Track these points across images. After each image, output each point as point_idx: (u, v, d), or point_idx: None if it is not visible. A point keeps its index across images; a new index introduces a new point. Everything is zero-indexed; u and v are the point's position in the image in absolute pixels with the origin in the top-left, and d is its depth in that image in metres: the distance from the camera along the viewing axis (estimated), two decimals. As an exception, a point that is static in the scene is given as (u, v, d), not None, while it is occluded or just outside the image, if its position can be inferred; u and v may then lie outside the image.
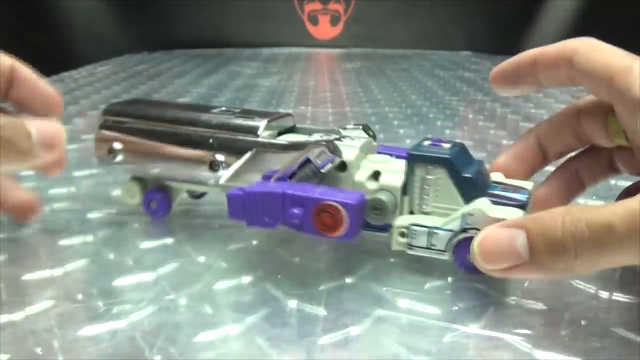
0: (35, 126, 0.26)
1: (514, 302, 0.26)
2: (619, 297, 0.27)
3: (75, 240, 0.32)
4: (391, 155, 0.30)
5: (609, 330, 0.24)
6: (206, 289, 0.27)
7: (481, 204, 0.25)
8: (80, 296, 0.26)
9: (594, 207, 0.21)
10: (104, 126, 0.34)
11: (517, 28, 1.24)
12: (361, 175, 0.28)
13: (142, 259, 0.30)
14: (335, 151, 0.28)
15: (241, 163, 0.30)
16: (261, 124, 0.31)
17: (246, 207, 0.26)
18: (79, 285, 0.27)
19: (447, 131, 0.61)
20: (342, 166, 0.28)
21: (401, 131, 0.60)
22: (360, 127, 0.32)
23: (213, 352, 0.22)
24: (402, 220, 0.27)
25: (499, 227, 0.23)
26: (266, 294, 0.27)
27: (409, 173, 0.27)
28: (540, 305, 0.26)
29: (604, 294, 0.27)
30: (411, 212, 0.28)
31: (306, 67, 1.16)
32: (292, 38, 1.41)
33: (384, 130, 0.60)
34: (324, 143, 0.29)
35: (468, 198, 0.26)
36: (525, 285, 0.28)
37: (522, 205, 0.26)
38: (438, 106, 0.73)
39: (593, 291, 0.27)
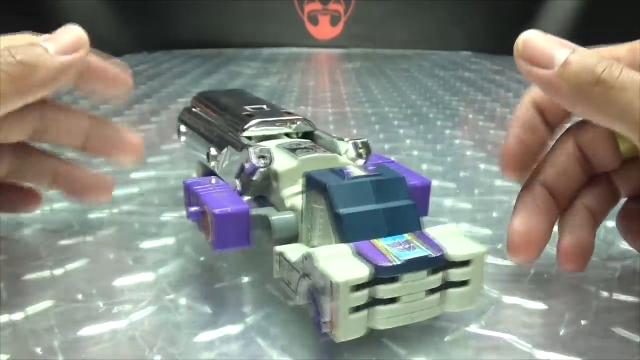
0: (49, 39, 0.25)
1: (514, 302, 0.26)
2: (619, 297, 0.27)
3: (75, 240, 0.32)
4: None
5: (609, 330, 0.24)
6: (206, 289, 0.27)
7: (322, 249, 0.21)
8: (80, 296, 0.26)
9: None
10: (185, 109, 0.37)
11: (517, 28, 1.23)
12: (289, 190, 0.25)
13: (142, 259, 0.30)
14: (266, 158, 0.26)
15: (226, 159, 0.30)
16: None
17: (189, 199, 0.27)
18: (79, 285, 0.27)
19: (447, 131, 0.61)
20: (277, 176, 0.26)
21: (401, 131, 0.60)
22: (353, 141, 0.29)
23: (213, 352, 0.22)
24: (281, 247, 0.23)
25: (548, 36, 0.22)
26: (266, 294, 0.27)
27: (305, 197, 0.24)
28: (540, 305, 0.26)
29: (604, 294, 0.27)
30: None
31: (306, 67, 1.16)
32: (292, 38, 1.41)
33: (384, 130, 0.60)
34: (256, 149, 0.26)
35: (344, 240, 0.21)
36: (525, 285, 0.28)
37: (414, 262, 0.20)
38: (438, 106, 0.73)
39: (593, 291, 0.27)
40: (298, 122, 0.31)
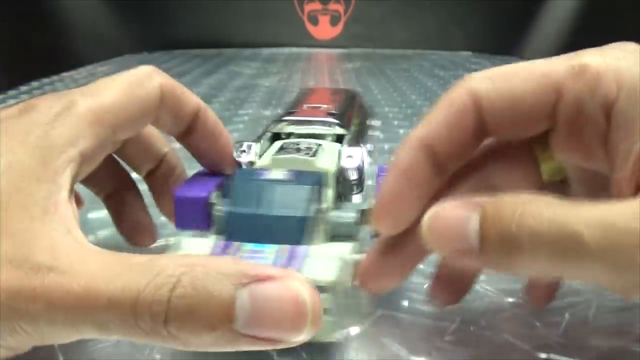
0: (251, 291, 0.15)
1: (514, 302, 0.26)
2: (619, 297, 0.27)
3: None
4: None
5: (608, 331, 0.24)
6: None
7: (190, 241, 0.22)
8: (80, 296, 0.26)
9: (564, 202, 0.16)
10: None
11: (517, 28, 1.24)
12: None
13: (142, 259, 0.30)
14: (246, 153, 0.27)
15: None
16: None
17: None
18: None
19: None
20: None
21: (401, 131, 0.60)
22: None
23: (213, 352, 0.22)
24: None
25: (454, 204, 0.18)
26: (266, 294, 0.27)
27: None
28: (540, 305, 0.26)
29: (604, 294, 0.27)
30: None
31: (306, 67, 1.16)
32: (292, 38, 1.41)
33: (384, 130, 0.60)
34: (240, 143, 0.27)
35: (225, 237, 0.22)
36: (525, 285, 0.28)
37: None
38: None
39: (593, 291, 0.27)
40: (331, 125, 0.30)
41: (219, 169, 0.27)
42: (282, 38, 1.40)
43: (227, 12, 1.36)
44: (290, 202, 0.22)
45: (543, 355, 0.22)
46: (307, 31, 1.43)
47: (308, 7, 1.42)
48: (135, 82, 0.23)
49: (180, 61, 1.17)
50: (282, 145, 0.28)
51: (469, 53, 1.31)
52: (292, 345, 0.16)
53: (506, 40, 1.25)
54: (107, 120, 0.21)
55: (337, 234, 0.23)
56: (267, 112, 0.69)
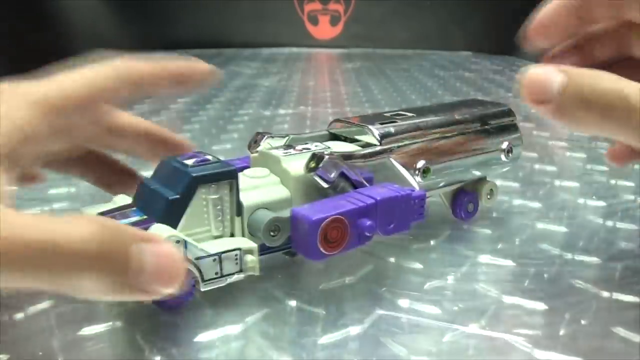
0: (151, 251, 0.18)
1: (514, 302, 0.26)
2: (619, 297, 0.27)
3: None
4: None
5: (609, 330, 0.24)
6: (206, 290, 0.27)
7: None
8: (80, 296, 0.26)
9: (622, 78, 0.22)
10: None
11: (517, 28, 1.24)
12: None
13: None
14: (257, 143, 0.30)
15: None
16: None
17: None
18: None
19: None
20: None
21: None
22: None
23: (213, 352, 0.22)
24: None
25: (547, 66, 0.23)
26: (266, 294, 0.27)
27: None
28: (540, 305, 0.26)
29: (604, 294, 0.27)
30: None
31: (306, 67, 1.16)
32: (292, 38, 1.41)
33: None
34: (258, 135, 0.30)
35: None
36: (526, 284, 0.28)
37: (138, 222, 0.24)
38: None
39: (593, 291, 0.27)
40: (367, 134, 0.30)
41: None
42: (282, 38, 1.40)
43: (227, 12, 1.36)
44: (177, 185, 0.24)
45: (543, 355, 0.22)
46: (307, 31, 1.43)
47: (308, 7, 1.42)
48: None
49: (180, 61, 1.17)
50: (290, 141, 0.30)
51: (469, 53, 1.31)
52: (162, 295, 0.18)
53: (506, 40, 1.24)
54: (50, 102, 0.22)
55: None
56: (267, 112, 0.69)
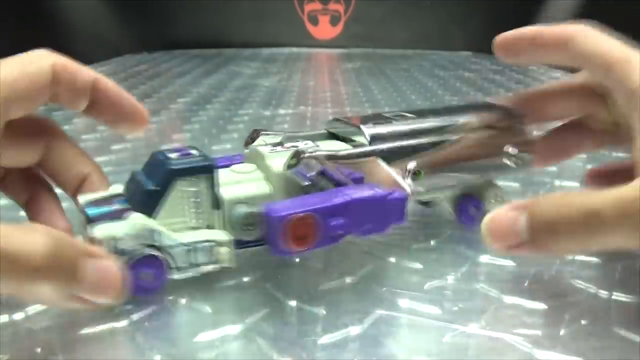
0: (93, 265, 0.20)
1: (514, 302, 0.26)
2: (619, 297, 0.27)
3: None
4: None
5: (609, 330, 0.24)
6: (206, 289, 0.27)
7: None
8: (80, 296, 0.26)
9: (587, 193, 0.22)
10: None
11: (517, 28, 1.24)
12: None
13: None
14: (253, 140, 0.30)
15: None
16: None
17: None
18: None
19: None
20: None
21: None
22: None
23: (213, 352, 0.22)
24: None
25: (505, 208, 0.24)
26: (266, 294, 0.27)
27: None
28: (540, 305, 0.26)
29: (604, 294, 0.27)
30: None
31: (306, 67, 1.16)
32: (292, 38, 1.41)
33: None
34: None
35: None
36: (526, 284, 0.28)
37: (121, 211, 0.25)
38: (438, 106, 0.73)
39: (593, 291, 0.27)
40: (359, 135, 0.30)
41: (133, 128, 0.28)
42: (282, 38, 1.40)
43: (227, 12, 1.36)
44: (158, 178, 0.25)
45: (543, 355, 0.22)
46: (307, 31, 1.43)
47: (308, 7, 1.42)
48: (27, 60, 0.25)
49: (180, 61, 1.17)
50: (284, 138, 0.30)
51: (469, 53, 1.31)
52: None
53: (506, 40, 1.25)
54: None
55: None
56: (267, 112, 0.69)
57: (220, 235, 0.25)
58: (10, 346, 0.23)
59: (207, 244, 0.25)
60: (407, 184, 0.29)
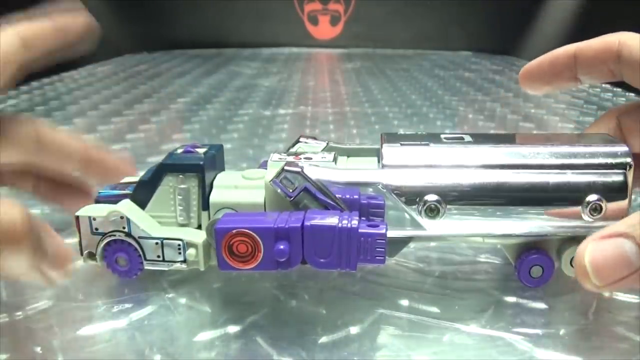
0: (52, 241, 0.22)
1: (514, 302, 0.26)
2: (619, 297, 0.27)
3: (76, 239, 0.32)
4: None
5: (609, 330, 0.24)
6: (206, 289, 0.27)
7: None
8: (80, 296, 0.26)
9: None
10: None
11: (517, 28, 1.24)
12: None
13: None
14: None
15: None
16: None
17: None
18: (79, 284, 0.27)
19: (447, 131, 0.61)
20: None
21: (401, 131, 0.60)
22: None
23: (213, 351, 0.22)
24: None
25: (599, 239, 0.21)
26: (266, 294, 0.27)
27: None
28: (540, 305, 0.26)
29: (604, 294, 0.27)
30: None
31: (306, 67, 1.16)
32: (292, 38, 1.41)
33: (384, 130, 0.60)
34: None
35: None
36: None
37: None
38: (438, 106, 0.73)
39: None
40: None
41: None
42: (282, 38, 1.40)
43: (227, 12, 1.36)
44: (153, 169, 0.26)
45: (543, 355, 0.22)
46: (307, 31, 1.43)
47: (308, 7, 1.42)
48: None
49: (180, 61, 1.17)
50: (326, 148, 0.29)
51: (469, 53, 1.31)
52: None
53: (506, 40, 1.25)
54: None
55: None
56: (267, 112, 0.69)
57: (195, 236, 0.25)
58: (10, 346, 0.23)
59: (175, 241, 0.25)
60: (422, 221, 0.25)
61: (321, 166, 0.25)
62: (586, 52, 0.27)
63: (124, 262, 0.26)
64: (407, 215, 0.25)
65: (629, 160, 0.24)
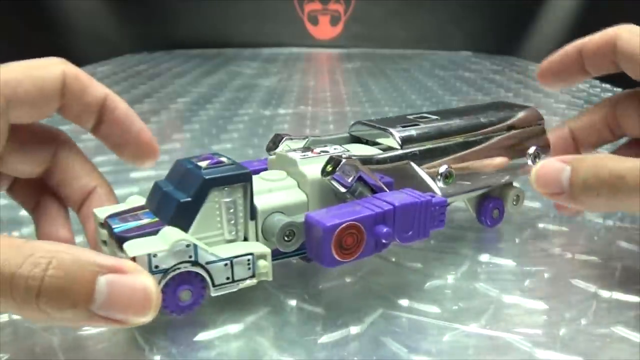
0: (108, 280, 0.18)
1: (514, 302, 0.26)
2: (619, 296, 0.27)
3: (76, 240, 0.32)
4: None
5: (609, 330, 0.24)
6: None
7: (128, 245, 0.22)
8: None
9: (619, 158, 0.24)
10: None
11: (517, 28, 1.24)
12: None
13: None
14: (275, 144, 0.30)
15: None
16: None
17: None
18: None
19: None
20: None
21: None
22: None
23: (213, 351, 0.22)
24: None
25: (555, 159, 0.26)
26: (266, 294, 0.27)
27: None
28: (540, 305, 0.26)
29: (604, 294, 0.27)
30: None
31: (306, 67, 1.16)
32: (292, 38, 1.41)
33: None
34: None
35: None
36: (526, 284, 0.28)
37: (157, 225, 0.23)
38: (438, 106, 0.73)
39: (593, 290, 0.27)
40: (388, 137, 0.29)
41: (138, 159, 0.27)
42: (282, 38, 1.40)
43: (227, 12, 1.36)
44: (189, 187, 0.23)
45: (543, 355, 0.22)
46: (307, 31, 1.43)
47: (308, 7, 1.42)
48: (36, 65, 0.24)
49: (180, 61, 1.17)
50: (309, 143, 0.29)
51: (469, 53, 1.31)
52: (137, 325, 0.19)
53: (506, 40, 1.25)
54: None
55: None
56: (267, 112, 0.69)
57: (259, 247, 0.24)
58: (10, 346, 0.23)
59: (246, 257, 0.23)
60: (438, 188, 0.28)
61: (358, 155, 0.27)
62: (589, 46, 0.30)
63: (188, 295, 0.23)
64: (428, 183, 0.28)
65: (542, 120, 0.34)
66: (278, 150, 0.29)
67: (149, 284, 0.19)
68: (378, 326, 0.24)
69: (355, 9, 1.42)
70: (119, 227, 0.23)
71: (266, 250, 0.24)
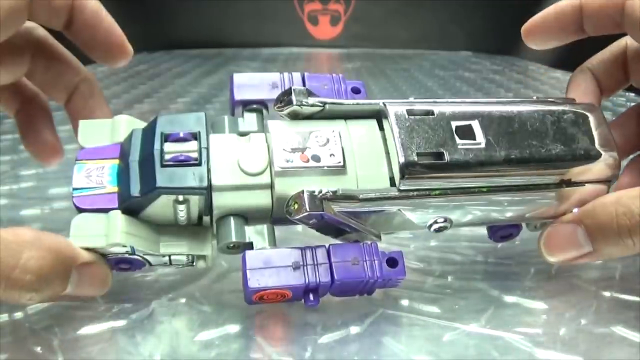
0: (77, 271, 0.22)
1: (514, 302, 0.26)
2: (619, 296, 0.27)
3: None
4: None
5: (609, 330, 0.24)
6: (206, 289, 0.27)
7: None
8: (80, 296, 0.26)
9: (623, 192, 0.22)
10: None
11: (517, 28, 1.24)
12: None
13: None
14: None
15: None
16: None
17: None
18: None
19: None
20: None
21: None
22: None
23: (213, 351, 0.22)
24: None
25: (559, 224, 0.24)
26: (266, 294, 0.27)
27: None
28: (540, 305, 0.26)
29: (605, 294, 0.27)
30: None
31: (306, 67, 1.16)
32: (292, 38, 1.41)
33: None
34: None
35: None
36: (526, 284, 0.28)
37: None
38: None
39: (593, 291, 0.27)
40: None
41: (109, 59, 0.28)
42: (282, 38, 1.40)
43: (227, 12, 1.36)
44: (142, 172, 0.23)
45: (543, 355, 0.22)
46: (307, 31, 1.43)
47: (308, 7, 1.42)
48: None
49: (180, 61, 1.17)
50: (326, 111, 0.26)
51: (469, 53, 1.31)
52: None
53: (506, 40, 1.24)
54: None
55: None
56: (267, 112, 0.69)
57: (202, 249, 0.24)
58: (10, 346, 0.23)
59: (184, 257, 0.24)
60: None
61: (340, 193, 0.23)
62: (592, 4, 0.28)
63: (128, 268, 0.24)
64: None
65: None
66: (286, 112, 0.26)
67: (107, 272, 0.23)
68: (378, 326, 0.24)
69: (356, 9, 1.42)
70: (78, 190, 0.23)
71: (207, 252, 0.24)
